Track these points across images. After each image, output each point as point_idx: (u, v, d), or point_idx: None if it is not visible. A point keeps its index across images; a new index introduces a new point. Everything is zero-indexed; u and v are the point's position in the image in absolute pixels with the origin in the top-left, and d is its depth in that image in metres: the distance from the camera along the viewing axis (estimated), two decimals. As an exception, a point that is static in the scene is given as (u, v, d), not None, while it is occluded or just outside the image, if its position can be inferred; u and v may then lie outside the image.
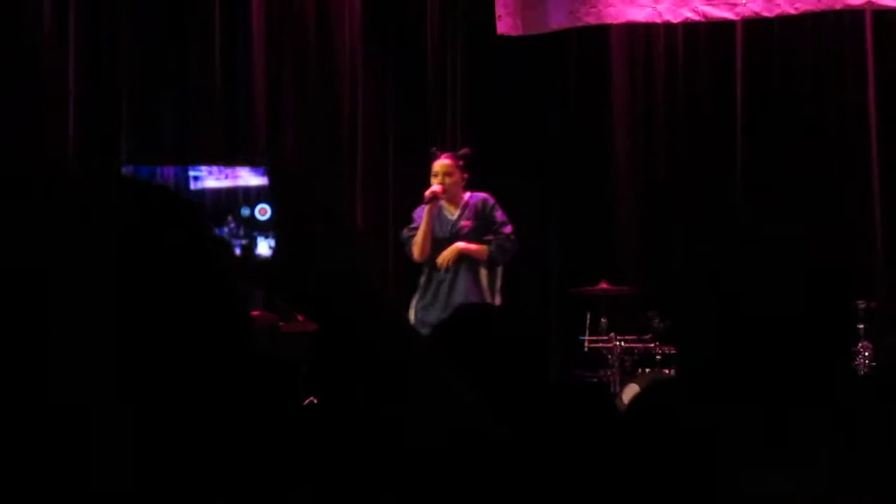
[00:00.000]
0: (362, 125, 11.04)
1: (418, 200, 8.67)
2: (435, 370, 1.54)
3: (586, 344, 9.80)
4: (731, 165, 10.85)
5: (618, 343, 9.60)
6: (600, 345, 9.71)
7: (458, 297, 8.37)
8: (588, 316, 9.87)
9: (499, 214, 8.56)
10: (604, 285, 9.76)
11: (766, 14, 10.79)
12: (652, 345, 9.54)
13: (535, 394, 2.74)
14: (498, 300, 8.51)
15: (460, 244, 8.44)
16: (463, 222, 8.49)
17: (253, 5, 10.68)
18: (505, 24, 11.19)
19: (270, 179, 9.61)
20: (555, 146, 11.14)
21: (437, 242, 8.48)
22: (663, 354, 9.47)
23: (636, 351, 9.64)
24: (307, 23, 10.98)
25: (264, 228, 9.40)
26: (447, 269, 8.46)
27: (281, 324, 9.88)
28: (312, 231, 1.45)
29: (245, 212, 9.44)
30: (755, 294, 2.21)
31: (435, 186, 8.43)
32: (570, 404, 2.63)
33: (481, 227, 8.50)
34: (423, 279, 8.58)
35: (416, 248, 8.48)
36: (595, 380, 9.61)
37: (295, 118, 10.84)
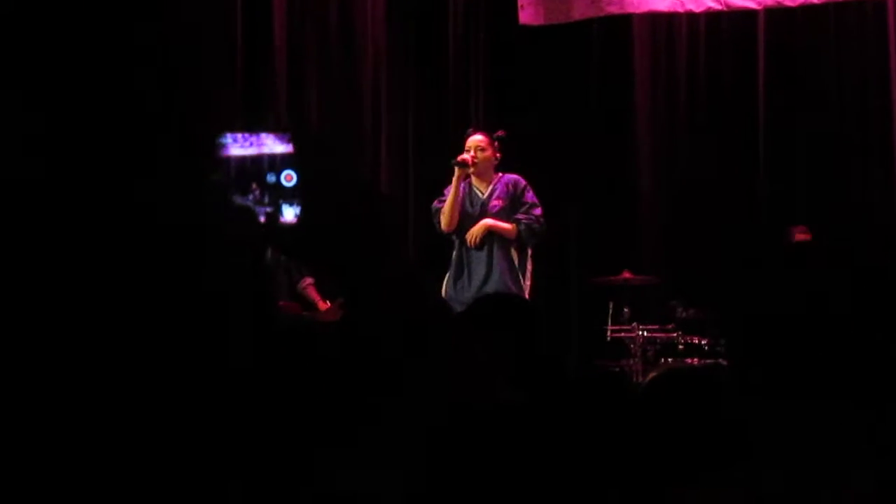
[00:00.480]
0: (385, 107, 11.06)
1: (438, 181, 8.68)
2: (453, 331, 1.56)
3: (609, 333, 9.81)
4: (754, 155, 10.83)
5: (640, 333, 9.61)
6: (623, 334, 9.72)
7: (493, 276, 8.37)
8: (611, 305, 9.87)
9: (529, 196, 8.52)
10: (627, 274, 9.77)
11: (788, 3, 10.76)
12: (675, 334, 9.54)
13: (554, 383, 2.77)
14: (528, 283, 8.49)
15: (489, 220, 8.41)
16: (494, 201, 8.47)
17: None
18: (527, 14, 11.19)
19: (295, 146, 9.64)
20: (578, 135, 11.12)
21: (467, 218, 8.46)
22: (686, 344, 9.47)
23: (659, 341, 9.65)
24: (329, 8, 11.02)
25: (290, 195, 9.40)
26: (477, 246, 8.45)
27: (305, 314, 9.93)
28: (337, 195, 1.47)
29: (271, 178, 9.46)
30: (783, 288, 2.22)
31: (465, 155, 8.43)
32: (589, 394, 2.65)
33: (511, 207, 8.46)
34: (454, 255, 8.55)
35: (444, 218, 8.46)
36: (617, 369, 9.61)
37: (317, 95, 10.86)
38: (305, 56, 10.96)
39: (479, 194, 8.53)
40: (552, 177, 10.93)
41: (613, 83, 11.17)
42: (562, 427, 2.41)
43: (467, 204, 8.50)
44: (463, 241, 8.50)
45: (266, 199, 9.49)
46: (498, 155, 8.55)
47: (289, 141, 9.60)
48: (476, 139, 8.49)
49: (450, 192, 8.44)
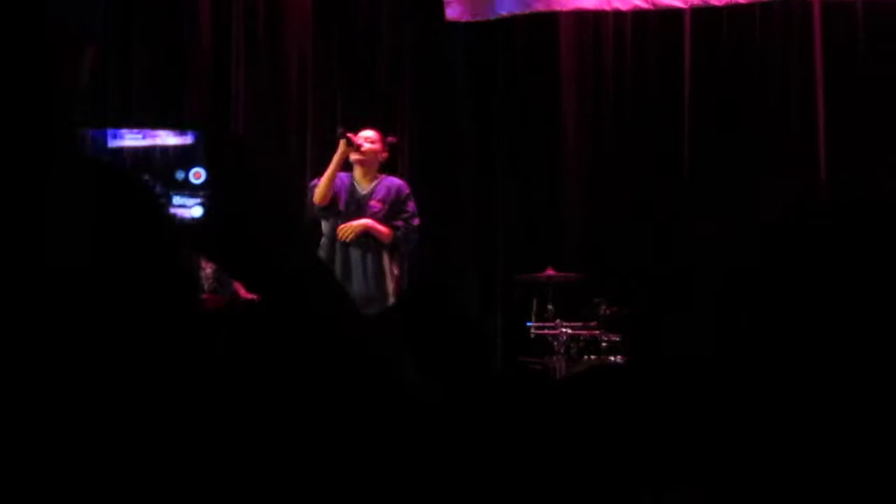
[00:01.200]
0: (311, 105, 11.02)
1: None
2: (366, 327, 1.53)
3: (532, 330, 9.80)
4: (678, 154, 10.87)
5: (564, 330, 9.60)
6: (546, 331, 9.70)
7: (356, 276, 8.41)
8: (534, 302, 9.87)
9: (411, 205, 8.61)
10: (550, 271, 9.76)
11: (714, 3, 10.80)
12: (598, 332, 9.55)
13: (476, 382, 2.73)
14: (394, 286, 8.54)
15: (368, 221, 8.45)
16: (374, 202, 8.52)
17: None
18: (454, 10, 11.16)
19: (208, 143, 9.55)
20: (502, 132, 11.12)
21: (343, 213, 8.49)
22: (609, 342, 9.49)
23: (582, 338, 9.64)
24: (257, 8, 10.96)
25: (195, 191, 9.30)
26: (347, 241, 8.45)
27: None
28: (249, 194, 1.43)
29: (180, 175, 9.37)
30: (698, 283, 2.20)
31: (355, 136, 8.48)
32: (511, 393, 2.62)
33: (391, 213, 8.54)
34: (323, 243, 8.56)
35: (318, 191, 8.46)
36: (540, 367, 9.62)
37: (243, 95, 10.81)
38: (231, 53, 10.91)
39: (360, 189, 8.58)
40: (477, 173, 10.95)
41: (539, 81, 11.17)
42: (479, 424, 2.37)
43: (347, 197, 8.51)
44: (333, 234, 8.49)
45: (160, 192, 9.41)
46: (385, 154, 8.62)
47: (199, 136, 9.52)
48: (367, 133, 8.54)
49: (330, 167, 8.46)
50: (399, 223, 8.52)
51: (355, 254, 8.48)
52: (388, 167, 8.80)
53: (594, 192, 10.98)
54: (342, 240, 8.44)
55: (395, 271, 8.60)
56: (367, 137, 8.55)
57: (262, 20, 10.99)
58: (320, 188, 8.45)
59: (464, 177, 10.59)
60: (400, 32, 11.26)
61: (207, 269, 9.25)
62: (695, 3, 10.85)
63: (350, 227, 8.44)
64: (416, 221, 8.59)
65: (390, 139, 8.71)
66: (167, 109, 10.43)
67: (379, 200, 8.52)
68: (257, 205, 1.46)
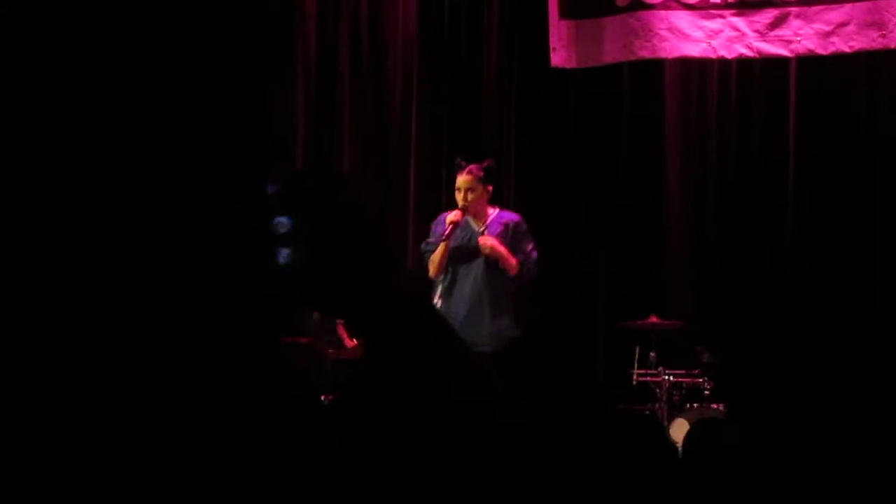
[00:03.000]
0: (415, 154, 11.13)
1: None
2: (475, 370, 1.55)
3: (635, 377, 9.78)
4: (782, 203, 10.82)
5: (666, 377, 9.58)
6: (649, 378, 9.70)
7: (486, 317, 8.39)
8: (637, 349, 9.85)
9: (529, 240, 8.57)
10: (653, 319, 9.75)
11: (820, 51, 10.78)
12: (700, 379, 9.52)
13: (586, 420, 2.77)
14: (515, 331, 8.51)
15: (501, 247, 8.41)
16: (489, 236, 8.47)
17: (308, 29, 10.82)
18: (559, 57, 11.22)
19: (281, 189, 9.65)
20: (608, 178, 11.13)
21: (460, 252, 8.48)
22: (712, 389, 9.45)
23: (684, 385, 9.62)
24: (361, 42, 11.10)
25: (282, 240, 9.38)
26: (467, 264, 8.46)
27: (330, 351, 9.94)
28: (344, 239, 1.46)
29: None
30: (801, 334, 2.23)
31: (455, 214, 8.44)
32: (621, 432, 2.66)
33: (510, 249, 8.47)
34: (442, 296, 8.54)
35: (433, 267, 8.48)
36: (645, 413, 9.59)
37: (349, 140, 10.95)
38: (335, 105, 11.06)
39: (475, 229, 8.55)
40: (581, 219, 10.96)
41: (644, 127, 11.19)
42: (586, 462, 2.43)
43: (460, 236, 8.50)
44: (454, 279, 8.50)
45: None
46: (489, 188, 8.56)
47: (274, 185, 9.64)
48: (464, 180, 8.46)
49: (442, 244, 8.46)
50: (520, 257, 8.45)
51: (477, 286, 8.46)
52: (496, 192, 8.78)
53: (698, 240, 10.96)
54: (483, 251, 8.39)
55: (509, 308, 8.58)
56: (466, 184, 8.45)
57: (367, 51, 11.12)
58: (435, 265, 8.45)
59: (568, 222, 10.60)
60: (507, 76, 11.34)
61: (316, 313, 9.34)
62: (800, 51, 10.83)
63: (487, 242, 8.40)
64: (535, 255, 8.54)
65: (487, 165, 8.62)
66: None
67: (496, 236, 8.48)
68: (350, 243, 1.49)
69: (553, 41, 11.24)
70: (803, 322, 2.22)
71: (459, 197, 8.46)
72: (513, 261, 8.41)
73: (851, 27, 10.67)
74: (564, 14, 11.24)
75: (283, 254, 1.40)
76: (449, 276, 8.51)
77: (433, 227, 8.66)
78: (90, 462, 1.19)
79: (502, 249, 8.41)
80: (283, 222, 1.42)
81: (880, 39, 10.63)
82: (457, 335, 1.53)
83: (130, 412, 1.20)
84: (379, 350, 1.45)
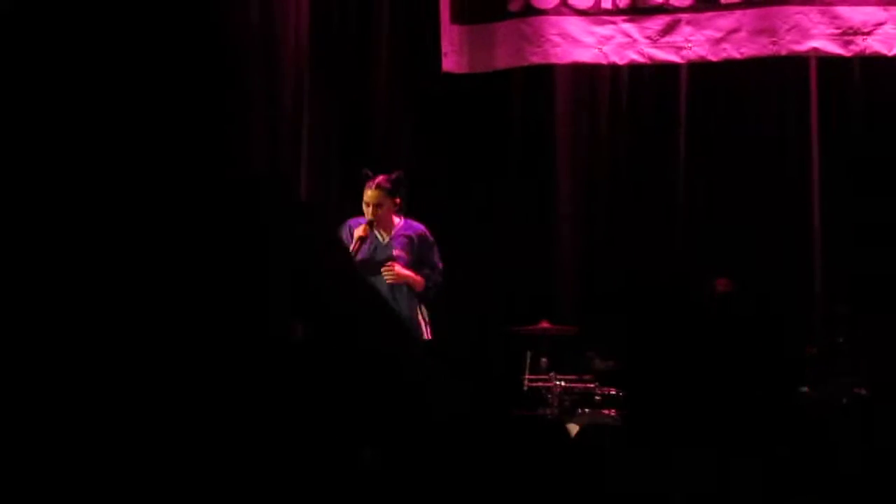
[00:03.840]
0: (307, 156, 11.03)
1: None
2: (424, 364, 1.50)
3: (526, 383, 9.74)
4: (673, 207, 10.87)
5: (558, 383, 9.55)
6: (540, 384, 9.65)
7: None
8: (528, 355, 9.81)
9: (435, 252, 8.73)
10: (544, 324, 9.71)
11: (711, 58, 10.83)
12: (592, 385, 9.50)
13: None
14: (429, 333, 8.69)
15: (406, 271, 8.52)
16: (397, 251, 8.55)
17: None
18: (450, 62, 11.18)
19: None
20: (498, 184, 11.11)
21: (368, 264, 8.47)
22: (603, 395, 9.43)
23: (576, 391, 9.59)
24: (252, 48, 10.95)
25: None
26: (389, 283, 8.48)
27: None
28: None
29: None
30: (697, 340, 2.17)
31: (361, 229, 8.46)
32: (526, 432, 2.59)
33: (416, 262, 8.62)
34: None
35: None
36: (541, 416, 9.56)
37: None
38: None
39: (381, 239, 8.59)
40: (471, 224, 10.92)
41: (536, 132, 11.18)
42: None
43: (367, 249, 8.50)
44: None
45: None
46: (397, 200, 8.59)
47: None
48: (372, 195, 8.50)
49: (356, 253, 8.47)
50: (426, 271, 8.64)
51: (391, 298, 8.49)
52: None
53: (588, 245, 10.98)
54: (389, 281, 8.45)
55: (426, 318, 8.74)
56: (374, 198, 8.49)
57: (259, 62, 10.99)
58: None
59: (457, 228, 10.53)
60: (398, 82, 11.28)
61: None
62: (691, 57, 10.89)
63: (395, 273, 8.50)
64: (440, 266, 8.75)
65: (394, 176, 8.62)
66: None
67: (402, 250, 8.55)
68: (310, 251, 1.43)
69: (445, 46, 11.21)
70: (695, 324, 2.17)
71: (368, 211, 8.51)
72: (419, 279, 8.60)
73: (742, 34, 10.74)
74: (456, 19, 11.21)
75: None
76: None
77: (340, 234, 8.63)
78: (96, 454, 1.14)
79: (409, 275, 8.57)
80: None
81: (771, 46, 10.70)
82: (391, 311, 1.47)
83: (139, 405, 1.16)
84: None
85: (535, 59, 11.14)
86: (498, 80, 11.25)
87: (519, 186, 11.11)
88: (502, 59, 11.22)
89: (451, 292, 10.72)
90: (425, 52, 11.21)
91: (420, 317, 8.63)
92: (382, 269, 8.50)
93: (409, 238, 8.59)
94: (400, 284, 8.55)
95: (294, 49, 11.05)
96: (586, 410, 9.44)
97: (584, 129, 11.20)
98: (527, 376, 9.76)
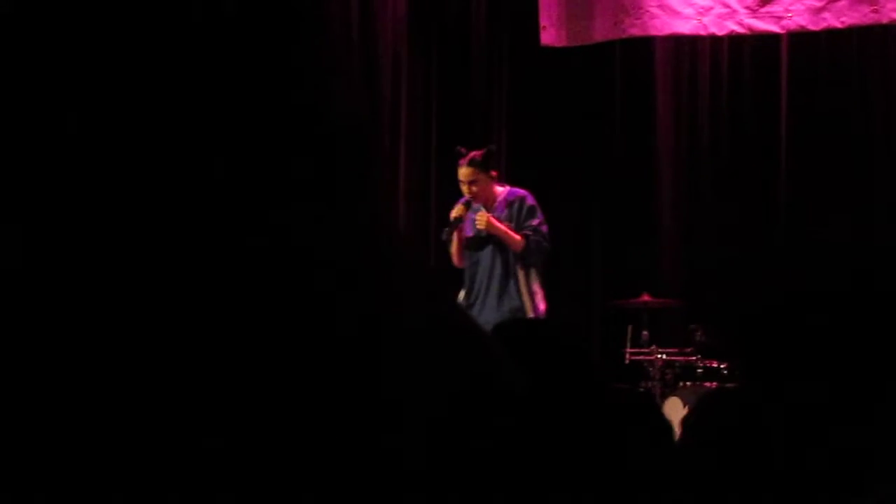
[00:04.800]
0: (405, 132, 11.07)
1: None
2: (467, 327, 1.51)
3: (627, 356, 9.76)
4: (774, 178, 10.79)
5: (659, 356, 9.56)
6: (641, 357, 9.67)
7: (494, 298, 8.35)
8: (630, 328, 9.82)
9: (536, 213, 8.45)
10: (645, 297, 9.72)
11: (811, 27, 10.72)
12: (693, 358, 9.50)
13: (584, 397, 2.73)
14: (542, 305, 8.47)
15: (500, 225, 8.32)
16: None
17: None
18: (549, 35, 11.17)
19: None
20: (598, 157, 11.10)
21: (472, 241, 8.47)
22: (705, 368, 9.43)
23: (677, 364, 9.60)
24: (350, 23, 10.99)
25: None
26: (479, 250, 8.44)
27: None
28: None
29: None
30: (798, 309, 2.18)
31: (457, 209, 8.44)
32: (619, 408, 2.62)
33: (517, 225, 8.39)
34: (465, 284, 8.55)
35: (452, 258, 8.53)
36: (640, 390, 9.57)
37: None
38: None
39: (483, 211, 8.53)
40: (573, 200, 10.92)
41: (636, 105, 11.14)
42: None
43: (471, 225, 8.48)
44: (473, 263, 8.49)
45: None
46: (493, 173, 8.52)
47: None
48: (464, 173, 8.40)
49: (454, 238, 8.50)
50: (527, 231, 8.35)
51: (488, 281, 8.45)
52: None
53: (690, 218, 10.92)
54: (477, 225, 8.37)
55: (536, 288, 8.49)
56: (467, 177, 8.40)
57: (356, 39, 11.02)
58: (453, 255, 8.54)
59: (559, 202, 10.54)
60: (497, 56, 11.28)
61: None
62: (791, 27, 10.78)
63: (485, 219, 8.30)
64: (544, 228, 8.41)
65: (486, 151, 8.56)
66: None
67: (502, 217, 8.41)
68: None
69: (543, 19, 11.18)
70: (799, 295, 2.18)
71: (464, 189, 8.43)
72: (515, 237, 8.31)
73: (843, 2, 10.62)
74: (554, -8, 11.20)
75: None
76: (469, 264, 8.52)
77: (451, 215, 8.64)
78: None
79: (500, 225, 8.32)
80: None
81: (872, 14, 10.58)
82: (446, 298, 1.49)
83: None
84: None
85: (634, 32, 11.10)
86: (596, 54, 11.21)
87: (621, 160, 11.08)
88: (601, 32, 11.18)
89: (552, 267, 10.77)
90: (523, 26, 11.19)
91: (524, 288, 8.48)
92: (476, 216, 8.39)
93: (510, 203, 8.50)
94: (495, 236, 8.34)
95: (392, 26, 11.09)
96: (688, 384, 9.44)
97: (684, 100, 11.14)
98: (628, 350, 9.79)
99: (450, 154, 8.80)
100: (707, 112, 11.09)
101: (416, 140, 11.16)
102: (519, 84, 11.28)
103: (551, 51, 11.17)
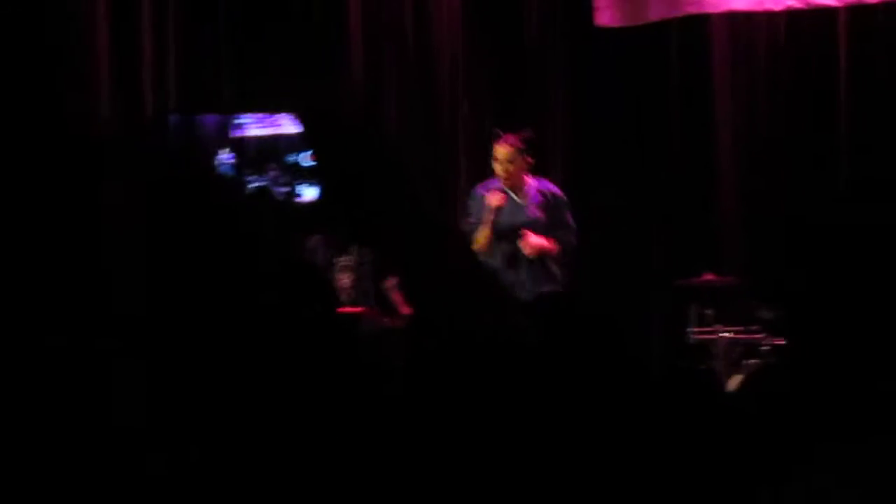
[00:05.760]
0: (462, 121, 11.07)
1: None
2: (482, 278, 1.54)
3: (692, 336, 9.73)
4: (835, 158, 10.71)
5: (724, 334, 9.52)
6: (706, 336, 9.63)
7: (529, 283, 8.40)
8: (693, 308, 9.79)
9: (569, 214, 8.68)
10: (709, 276, 9.68)
11: (870, 0, 10.62)
12: (759, 336, 9.45)
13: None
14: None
15: (539, 240, 8.47)
16: (534, 211, 8.47)
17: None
18: (603, 16, 11.12)
19: (305, 125, 9.63)
20: (656, 137, 11.05)
21: (507, 230, 8.48)
22: (770, 345, 9.38)
23: (742, 342, 9.55)
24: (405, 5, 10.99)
25: (309, 174, 9.48)
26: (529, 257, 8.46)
27: (385, 319, 9.89)
28: (357, 173, 1.45)
29: (291, 158, 9.54)
30: (863, 284, 2.17)
31: (497, 198, 8.47)
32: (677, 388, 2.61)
33: (551, 222, 8.57)
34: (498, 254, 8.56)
35: (479, 247, 8.52)
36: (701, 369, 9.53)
37: (394, 100, 10.84)
38: (382, 66, 10.95)
39: (517, 200, 8.55)
40: (633, 181, 10.89)
41: (692, 85, 11.08)
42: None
43: (505, 214, 8.49)
44: (502, 245, 8.50)
45: (284, 180, 9.61)
46: (529, 160, 8.55)
47: (298, 120, 9.65)
48: (504, 153, 8.47)
49: (487, 225, 8.49)
50: (560, 232, 8.57)
51: (525, 272, 8.49)
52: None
53: (751, 197, 10.86)
54: (528, 255, 8.45)
55: (559, 274, 8.67)
56: (506, 156, 8.49)
57: (410, 20, 11.00)
58: (481, 241, 8.49)
59: (619, 182, 10.52)
60: (551, 36, 11.24)
61: (345, 279, 9.34)
62: (849, 1, 10.67)
63: (531, 246, 8.43)
64: (574, 226, 8.69)
65: (525, 135, 8.60)
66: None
67: (538, 208, 8.49)
68: (367, 184, 1.48)
69: (597, 0, 11.14)
70: (861, 269, 2.17)
71: (499, 168, 8.49)
72: (554, 248, 8.57)
73: (900, -25, 10.53)
74: (607, -28, 11.15)
75: (309, 188, 1.40)
76: (496, 251, 8.52)
77: (469, 202, 8.66)
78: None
79: (544, 245, 8.51)
80: (308, 158, 1.42)
81: (930, -14, 10.49)
82: (481, 265, 1.50)
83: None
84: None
85: (690, 9, 11.02)
86: (652, 33, 11.15)
87: (679, 140, 11.02)
88: (656, 11, 11.11)
89: (615, 247, 10.74)
90: (578, 6, 11.15)
91: (553, 272, 8.57)
92: (522, 245, 8.46)
93: (545, 196, 8.57)
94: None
95: (447, 9, 11.07)
96: (754, 361, 9.39)
97: (742, 79, 11.05)
98: (692, 329, 9.75)
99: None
100: (765, 88, 11.00)
101: (473, 125, 11.14)
102: (574, 66, 11.23)
103: (606, 31, 11.12)
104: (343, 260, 9.47)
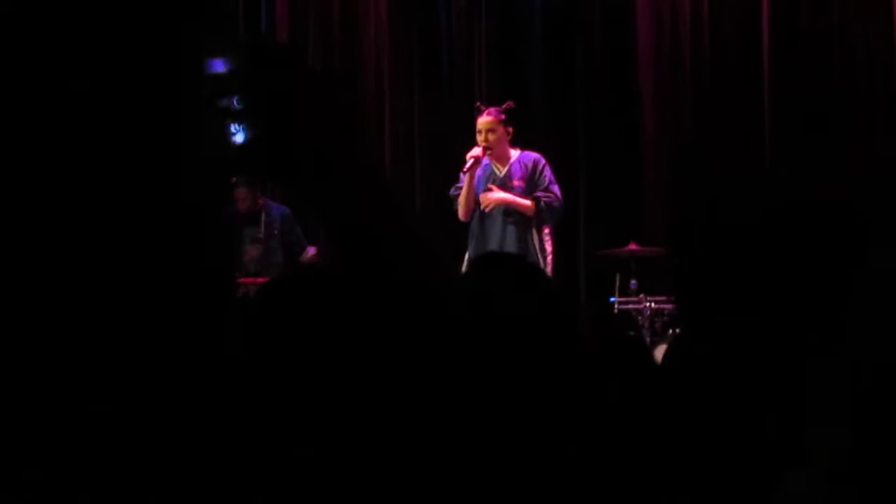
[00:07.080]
0: (387, 73, 11.09)
1: (446, 156, 8.66)
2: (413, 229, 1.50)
3: (616, 306, 9.74)
4: (759, 126, 10.73)
5: (648, 304, 9.53)
6: (630, 306, 9.65)
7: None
8: (617, 277, 9.80)
9: (548, 174, 8.52)
10: (633, 246, 9.68)
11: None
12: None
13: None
14: (549, 264, 8.47)
15: (507, 196, 8.37)
16: (515, 182, 8.43)
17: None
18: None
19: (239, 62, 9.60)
20: (582, 107, 11.04)
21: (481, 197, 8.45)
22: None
23: (666, 312, 9.57)
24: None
25: (239, 116, 9.46)
26: (492, 218, 8.39)
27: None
28: (288, 111, 1.42)
29: (224, 102, 9.54)
30: (787, 252, 2.12)
31: (475, 150, 8.35)
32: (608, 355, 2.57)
33: (531, 187, 8.45)
34: (474, 229, 8.49)
35: (461, 209, 8.47)
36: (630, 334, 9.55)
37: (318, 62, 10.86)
38: (306, 28, 10.94)
39: (497, 173, 8.50)
40: (555, 146, 10.87)
41: (617, 53, 11.08)
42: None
43: (484, 185, 8.45)
44: (482, 219, 8.45)
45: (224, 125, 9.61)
46: (510, 129, 8.50)
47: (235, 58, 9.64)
48: (485, 121, 8.41)
49: (465, 183, 8.38)
50: (539, 193, 8.41)
51: (501, 235, 8.41)
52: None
53: (674, 165, 10.87)
54: (483, 210, 8.38)
55: (549, 247, 8.56)
56: (487, 125, 8.39)
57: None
58: (462, 206, 8.42)
59: (542, 151, 10.51)
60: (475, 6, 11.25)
61: (253, 251, 9.30)
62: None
63: (487, 199, 8.37)
64: (555, 188, 8.50)
65: (506, 106, 8.55)
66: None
67: (520, 180, 8.44)
68: (299, 122, 1.44)
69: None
70: (784, 242, 2.12)
71: (480, 139, 8.41)
72: (525, 202, 8.39)
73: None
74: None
75: (239, 131, 1.38)
76: (475, 220, 8.46)
77: (461, 174, 8.59)
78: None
79: (507, 198, 8.38)
80: (235, 100, 1.39)
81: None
82: (413, 217, 1.46)
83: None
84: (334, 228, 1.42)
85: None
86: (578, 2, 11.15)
87: (602, 107, 11.02)
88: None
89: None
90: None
91: (535, 248, 8.48)
92: (479, 196, 8.40)
93: (525, 165, 8.51)
94: (506, 209, 8.39)
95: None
96: (678, 331, 9.41)
97: (665, 47, 11.05)
98: (616, 299, 9.77)
99: (430, 109, 8.73)
100: (688, 54, 11.00)
101: (398, 79, 11.18)
102: (497, 30, 11.22)
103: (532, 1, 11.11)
104: (251, 231, 9.47)
